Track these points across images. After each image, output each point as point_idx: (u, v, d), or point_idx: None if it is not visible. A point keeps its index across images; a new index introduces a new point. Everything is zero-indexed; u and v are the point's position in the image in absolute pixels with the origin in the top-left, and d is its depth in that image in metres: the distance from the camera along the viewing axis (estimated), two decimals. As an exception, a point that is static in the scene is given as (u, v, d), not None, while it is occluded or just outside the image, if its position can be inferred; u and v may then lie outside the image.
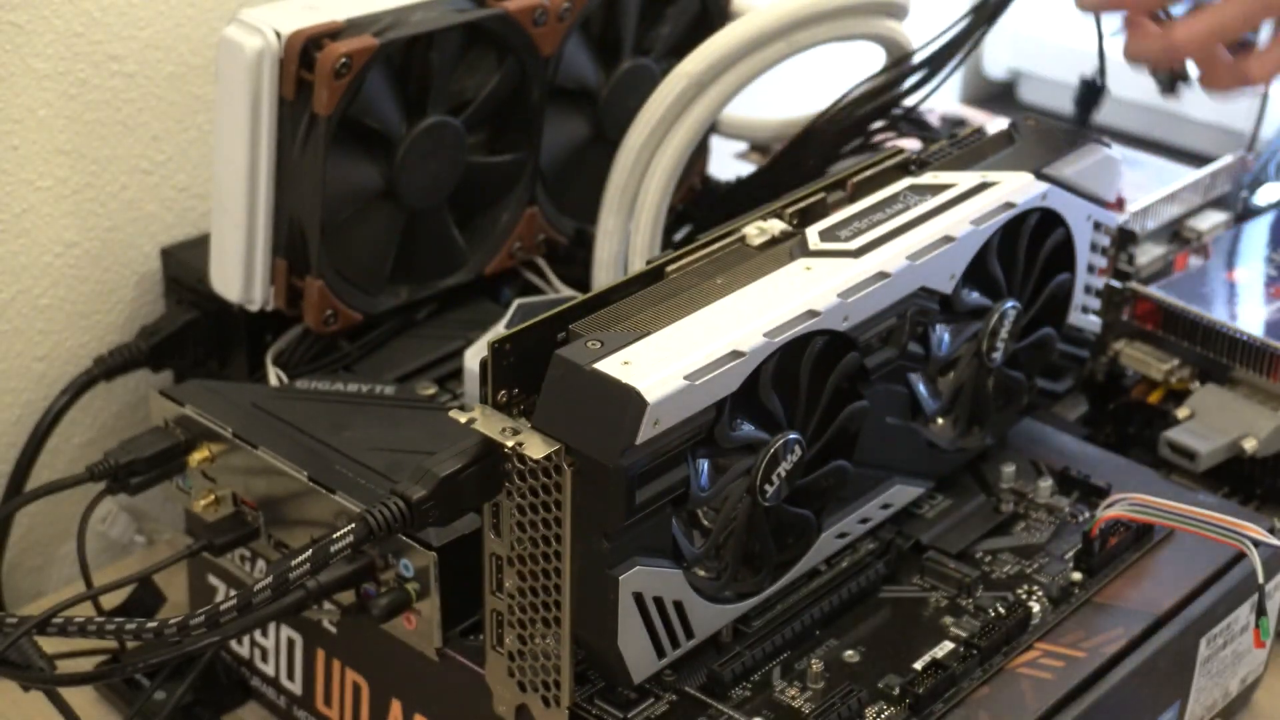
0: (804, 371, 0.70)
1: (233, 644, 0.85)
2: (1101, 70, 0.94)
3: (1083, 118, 0.95)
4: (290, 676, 0.83)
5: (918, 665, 0.72)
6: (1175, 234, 0.98)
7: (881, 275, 0.71)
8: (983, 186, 0.78)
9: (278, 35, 0.81)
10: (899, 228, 0.74)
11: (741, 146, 1.08)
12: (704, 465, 0.68)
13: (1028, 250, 0.80)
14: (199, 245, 0.91)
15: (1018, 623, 0.74)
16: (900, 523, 0.80)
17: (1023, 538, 0.80)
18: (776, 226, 0.74)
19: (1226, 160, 1.01)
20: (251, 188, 0.84)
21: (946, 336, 0.78)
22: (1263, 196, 1.03)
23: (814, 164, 0.97)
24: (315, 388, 0.85)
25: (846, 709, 0.69)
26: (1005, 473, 0.83)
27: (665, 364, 0.64)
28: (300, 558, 0.66)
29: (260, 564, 0.81)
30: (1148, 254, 0.96)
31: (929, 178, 0.78)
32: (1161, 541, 0.80)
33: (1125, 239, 0.94)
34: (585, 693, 0.70)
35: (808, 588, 0.76)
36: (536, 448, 0.64)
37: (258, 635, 0.84)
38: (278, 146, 0.84)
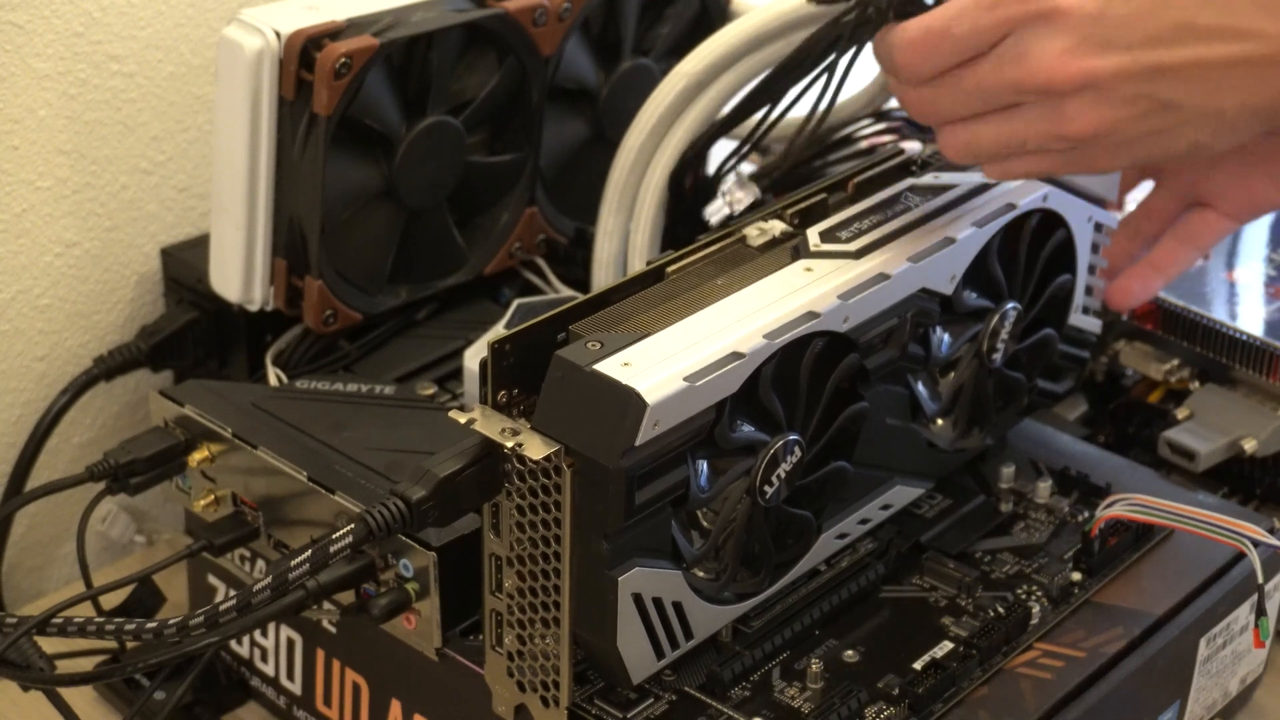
0: (804, 373, 0.70)
1: (232, 644, 0.85)
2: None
3: None
4: (290, 676, 0.83)
5: (917, 665, 0.72)
6: (1175, 234, 0.98)
7: (882, 276, 0.71)
8: (983, 187, 0.78)
9: (277, 35, 0.81)
10: (900, 229, 0.74)
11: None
12: (704, 466, 0.68)
13: (1028, 251, 0.80)
14: (199, 245, 0.91)
15: (1017, 623, 0.74)
16: (900, 523, 0.79)
17: (1022, 538, 0.80)
18: (777, 227, 0.74)
19: (1226, 160, 1.00)
20: (251, 188, 0.84)
21: (947, 337, 0.78)
22: (1262, 196, 1.03)
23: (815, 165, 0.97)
24: (315, 388, 0.85)
25: (846, 709, 0.69)
26: (1005, 473, 0.83)
27: (665, 365, 0.64)
28: (300, 558, 0.66)
29: (260, 564, 0.81)
30: (1148, 254, 0.96)
31: (930, 179, 0.78)
32: (1161, 541, 0.80)
33: (1125, 239, 0.94)
34: (584, 693, 0.70)
35: (807, 588, 0.76)
36: (536, 448, 0.64)
37: (257, 635, 0.84)
38: (277, 146, 0.84)
